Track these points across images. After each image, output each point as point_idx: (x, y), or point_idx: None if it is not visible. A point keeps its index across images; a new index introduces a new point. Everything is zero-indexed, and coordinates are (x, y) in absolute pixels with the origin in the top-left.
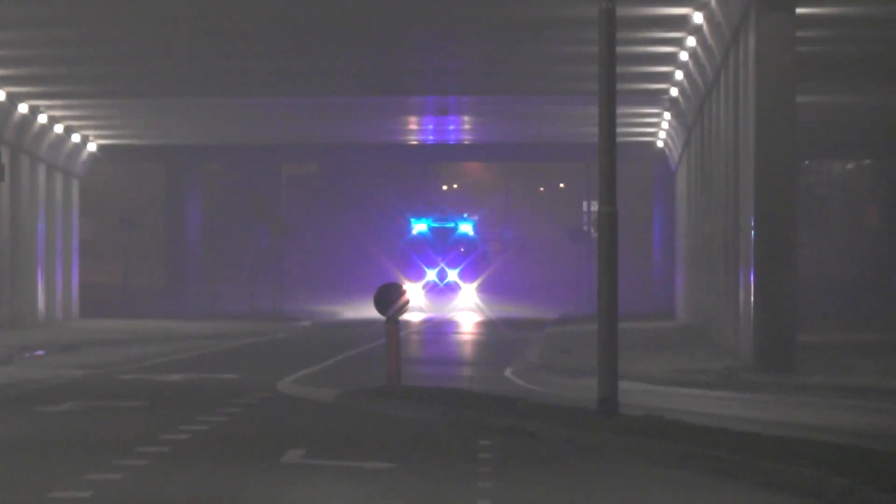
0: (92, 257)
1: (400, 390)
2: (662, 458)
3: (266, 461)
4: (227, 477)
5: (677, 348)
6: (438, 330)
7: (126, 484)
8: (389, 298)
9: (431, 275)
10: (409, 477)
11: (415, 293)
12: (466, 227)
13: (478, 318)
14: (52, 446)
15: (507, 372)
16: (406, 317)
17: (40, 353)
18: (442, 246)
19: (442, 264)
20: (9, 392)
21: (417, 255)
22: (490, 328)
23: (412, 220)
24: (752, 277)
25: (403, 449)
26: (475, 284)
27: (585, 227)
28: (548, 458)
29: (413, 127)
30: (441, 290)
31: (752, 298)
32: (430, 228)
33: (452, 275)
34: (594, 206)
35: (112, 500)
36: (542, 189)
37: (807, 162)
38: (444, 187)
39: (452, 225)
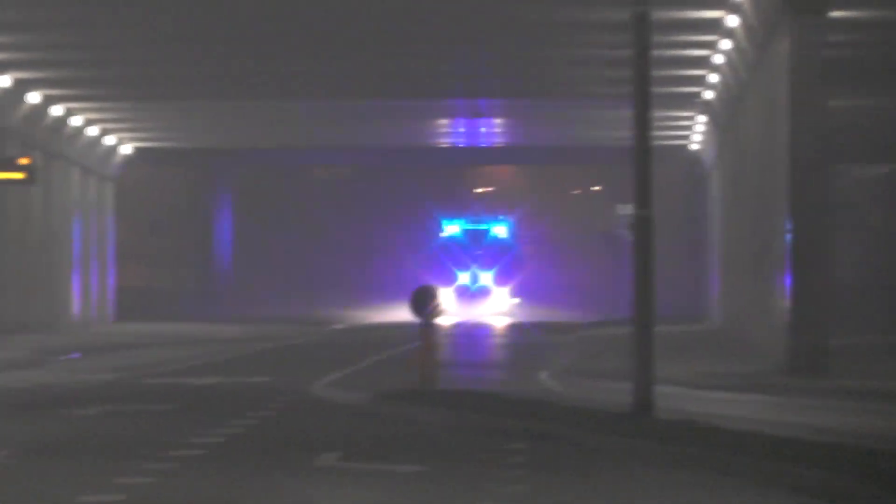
0: (123, 260)
1: (433, 393)
2: (696, 462)
3: (300, 464)
4: (260, 480)
5: (710, 351)
6: (471, 333)
7: (158, 487)
8: (425, 301)
9: (464, 278)
10: (441, 480)
11: (447, 297)
12: (500, 230)
13: (511, 321)
14: (82, 450)
15: (541, 375)
16: (437, 320)
17: (75, 355)
18: (475, 249)
19: (474, 267)
20: (40, 395)
21: (449, 258)
22: (523, 331)
23: (444, 222)
24: (786, 281)
25: (436, 452)
26: (508, 287)
27: (620, 230)
28: (580, 463)
29: (445, 130)
30: (473, 294)
31: (786, 302)
32: (463, 231)
33: (485, 278)
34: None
35: (144, 503)
36: (576, 192)
37: (839, 165)
38: (478, 190)
39: (485, 227)
